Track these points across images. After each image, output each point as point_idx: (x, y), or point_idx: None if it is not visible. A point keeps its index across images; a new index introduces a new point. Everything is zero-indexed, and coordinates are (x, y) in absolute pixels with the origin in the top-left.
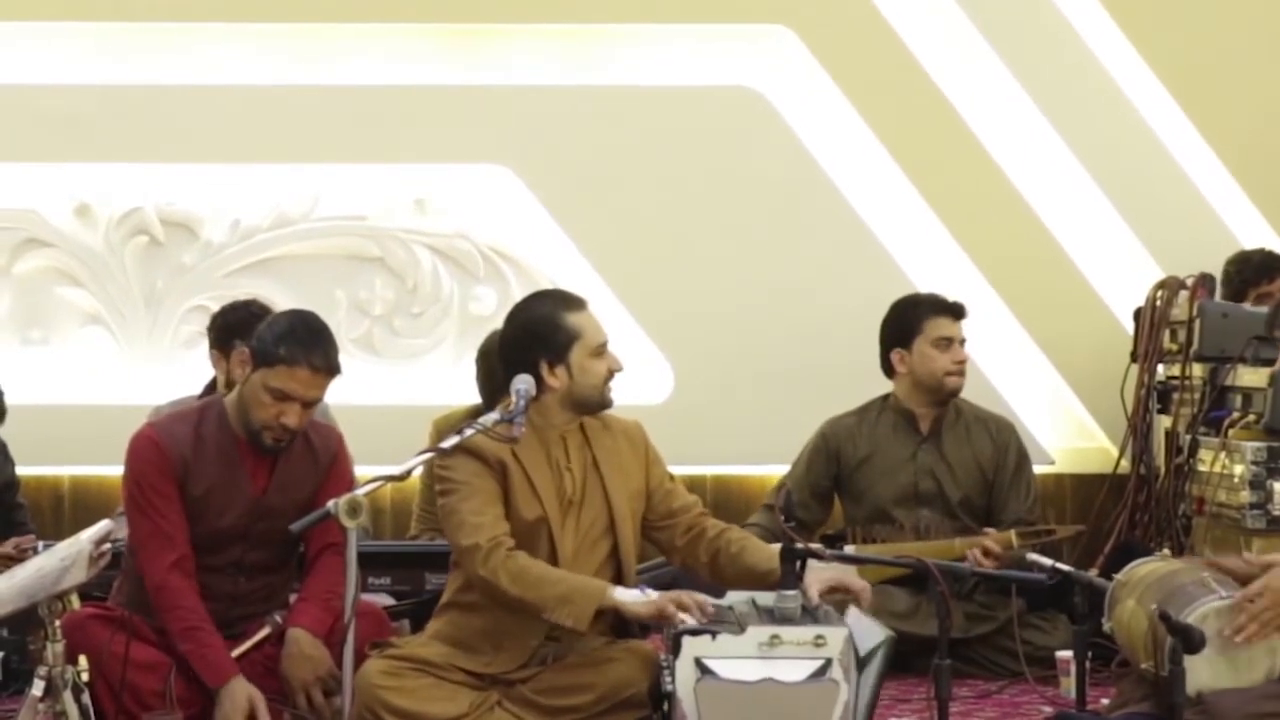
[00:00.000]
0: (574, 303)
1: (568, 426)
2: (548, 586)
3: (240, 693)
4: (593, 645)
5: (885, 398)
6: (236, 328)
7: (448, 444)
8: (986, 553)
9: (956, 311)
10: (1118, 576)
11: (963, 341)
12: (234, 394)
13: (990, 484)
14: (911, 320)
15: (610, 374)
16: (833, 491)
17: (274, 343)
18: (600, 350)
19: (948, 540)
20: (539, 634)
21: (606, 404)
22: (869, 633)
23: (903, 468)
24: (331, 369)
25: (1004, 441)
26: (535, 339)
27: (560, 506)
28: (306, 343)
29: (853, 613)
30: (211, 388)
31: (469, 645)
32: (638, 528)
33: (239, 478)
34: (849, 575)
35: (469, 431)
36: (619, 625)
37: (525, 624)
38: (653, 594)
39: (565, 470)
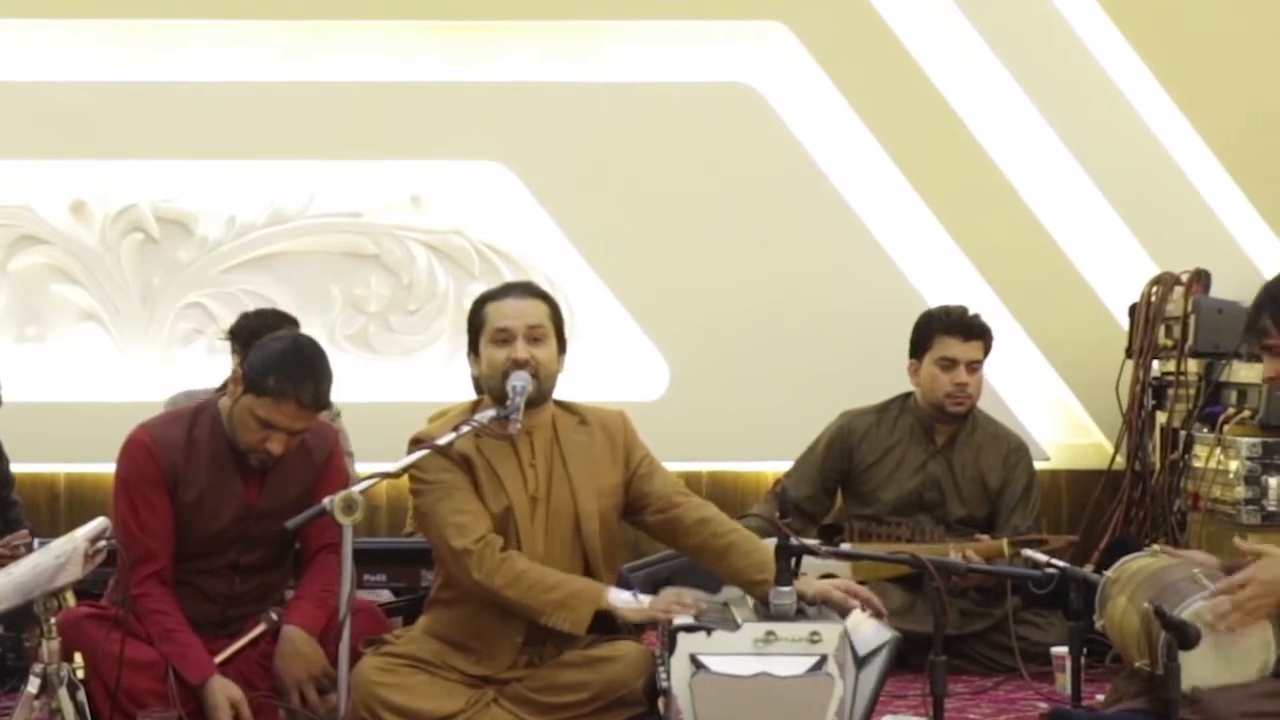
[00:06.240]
0: (499, 291)
1: (531, 421)
2: (544, 592)
3: (222, 687)
4: (581, 644)
5: (906, 396)
6: (238, 334)
7: (443, 440)
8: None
9: (968, 332)
10: (1108, 574)
11: (974, 364)
12: (227, 401)
13: (993, 500)
14: (924, 334)
15: (510, 362)
16: (840, 484)
17: (264, 371)
18: (499, 336)
19: (941, 544)
20: (520, 630)
21: (511, 396)
22: (875, 632)
23: (911, 476)
24: (320, 404)
25: (1014, 464)
26: (468, 331)
27: (527, 502)
28: (296, 377)
29: (858, 612)
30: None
31: (457, 643)
32: (609, 526)
33: (231, 482)
34: (844, 592)
35: (465, 429)
36: (606, 623)
37: (505, 620)
38: (644, 599)
39: (529, 467)
